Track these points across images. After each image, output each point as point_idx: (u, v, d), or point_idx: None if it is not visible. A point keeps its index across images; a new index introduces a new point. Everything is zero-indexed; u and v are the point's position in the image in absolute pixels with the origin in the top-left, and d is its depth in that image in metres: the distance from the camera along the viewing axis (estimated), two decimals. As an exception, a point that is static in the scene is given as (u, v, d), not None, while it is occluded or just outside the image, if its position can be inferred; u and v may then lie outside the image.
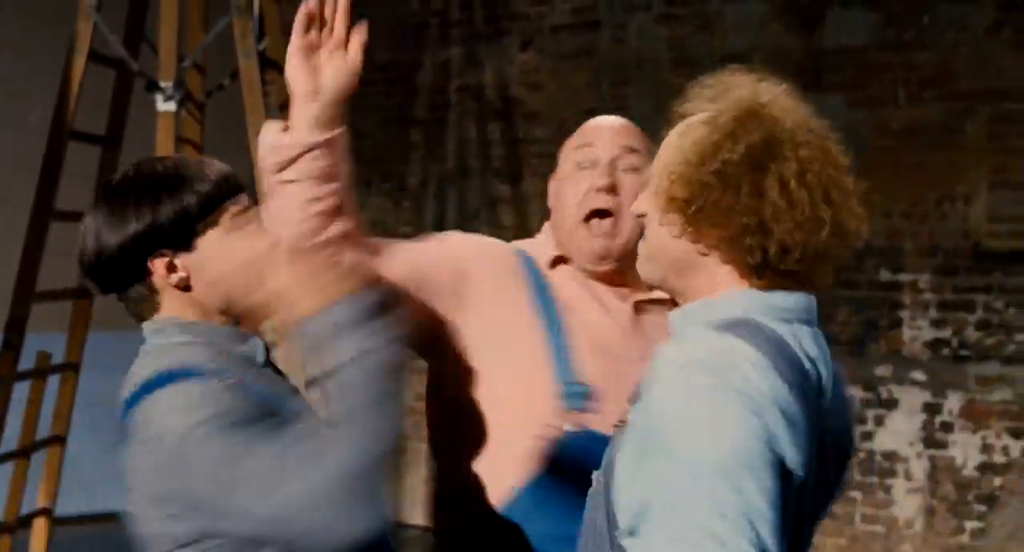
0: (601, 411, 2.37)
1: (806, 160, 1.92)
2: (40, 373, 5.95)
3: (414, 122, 8.92)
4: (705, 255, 1.95)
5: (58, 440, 6.17)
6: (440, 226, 8.24)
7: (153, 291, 2.25)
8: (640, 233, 2.07)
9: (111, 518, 7.87)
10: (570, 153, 2.62)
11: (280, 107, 5.94)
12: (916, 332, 6.92)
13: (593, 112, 8.30)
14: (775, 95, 2.00)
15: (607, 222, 2.52)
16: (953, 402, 6.95)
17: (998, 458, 6.85)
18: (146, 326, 2.27)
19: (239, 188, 2.26)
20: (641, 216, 2.05)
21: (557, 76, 8.26)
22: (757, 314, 1.93)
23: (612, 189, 2.50)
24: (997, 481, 6.85)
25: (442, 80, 8.80)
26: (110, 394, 7.81)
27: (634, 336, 2.53)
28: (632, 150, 2.56)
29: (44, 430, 6.16)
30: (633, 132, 2.62)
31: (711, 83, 2.06)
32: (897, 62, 7.07)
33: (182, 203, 2.21)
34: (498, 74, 8.54)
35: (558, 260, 2.59)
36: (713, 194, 1.90)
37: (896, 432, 7.06)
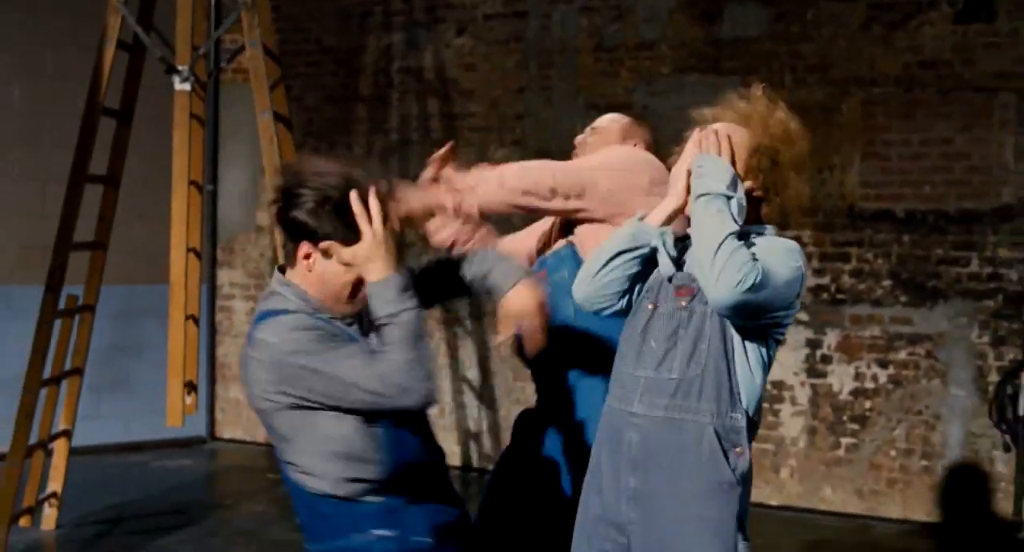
0: None
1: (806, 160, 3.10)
2: (70, 313, 6.53)
3: (359, 99, 9.12)
4: (750, 193, 3.08)
5: (77, 372, 6.75)
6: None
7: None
8: None
9: (95, 451, 8.54)
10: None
11: (271, 88, 6.53)
12: (800, 279, 7.60)
13: (521, 91, 8.78)
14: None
15: None
16: (831, 338, 7.54)
17: (868, 384, 7.46)
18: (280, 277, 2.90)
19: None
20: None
21: (489, 59, 8.60)
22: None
23: None
24: (867, 404, 7.46)
25: (385, 62, 9.02)
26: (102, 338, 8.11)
27: None
28: None
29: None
30: None
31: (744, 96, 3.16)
32: (784, 51, 7.64)
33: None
34: (436, 57, 8.84)
35: None
36: (784, 173, 3.07)
37: (783, 364, 7.58)
